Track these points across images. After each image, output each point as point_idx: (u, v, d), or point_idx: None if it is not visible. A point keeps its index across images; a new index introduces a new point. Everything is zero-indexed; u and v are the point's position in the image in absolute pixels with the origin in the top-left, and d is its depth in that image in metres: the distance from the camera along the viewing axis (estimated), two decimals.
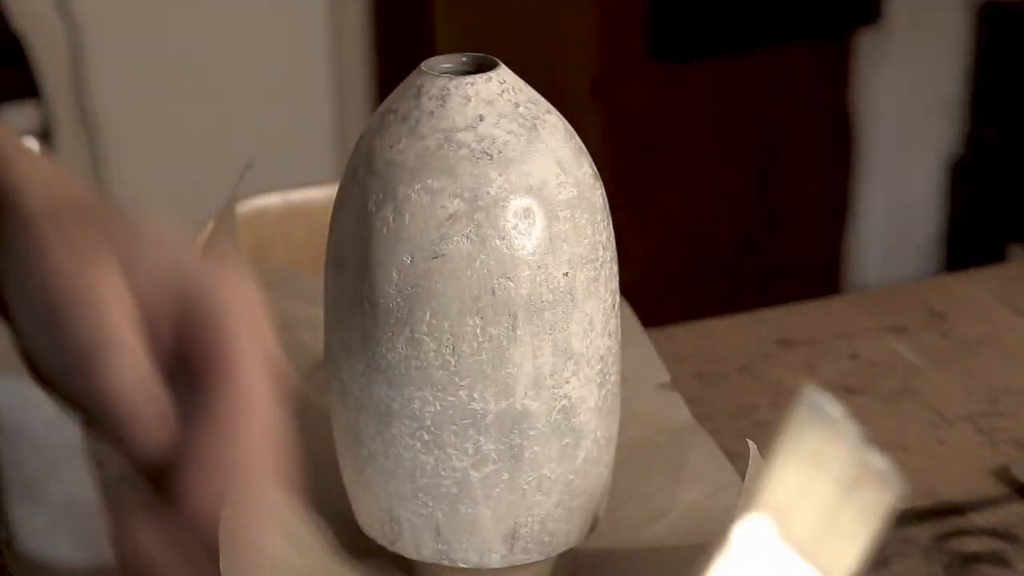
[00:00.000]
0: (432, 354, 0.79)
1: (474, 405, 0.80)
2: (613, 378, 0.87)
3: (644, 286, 1.14)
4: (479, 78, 0.81)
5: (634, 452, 0.98)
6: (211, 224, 1.06)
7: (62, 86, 2.26)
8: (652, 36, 2.61)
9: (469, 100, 0.81)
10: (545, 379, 0.81)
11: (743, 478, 0.85)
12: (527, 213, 0.79)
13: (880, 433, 1.10)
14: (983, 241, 2.82)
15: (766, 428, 1.11)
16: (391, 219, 0.79)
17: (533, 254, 0.79)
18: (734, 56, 2.68)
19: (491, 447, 0.81)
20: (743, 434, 1.10)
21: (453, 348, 0.79)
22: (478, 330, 0.79)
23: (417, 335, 0.79)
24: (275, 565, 0.85)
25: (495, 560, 0.83)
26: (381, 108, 0.84)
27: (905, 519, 1.00)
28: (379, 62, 2.47)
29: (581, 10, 2.55)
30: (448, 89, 0.81)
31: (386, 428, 0.81)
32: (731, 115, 2.73)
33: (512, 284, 0.79)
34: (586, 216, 0.82)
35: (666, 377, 1.05)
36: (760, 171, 2.80)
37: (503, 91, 0.82)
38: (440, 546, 0.83)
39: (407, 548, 0.83)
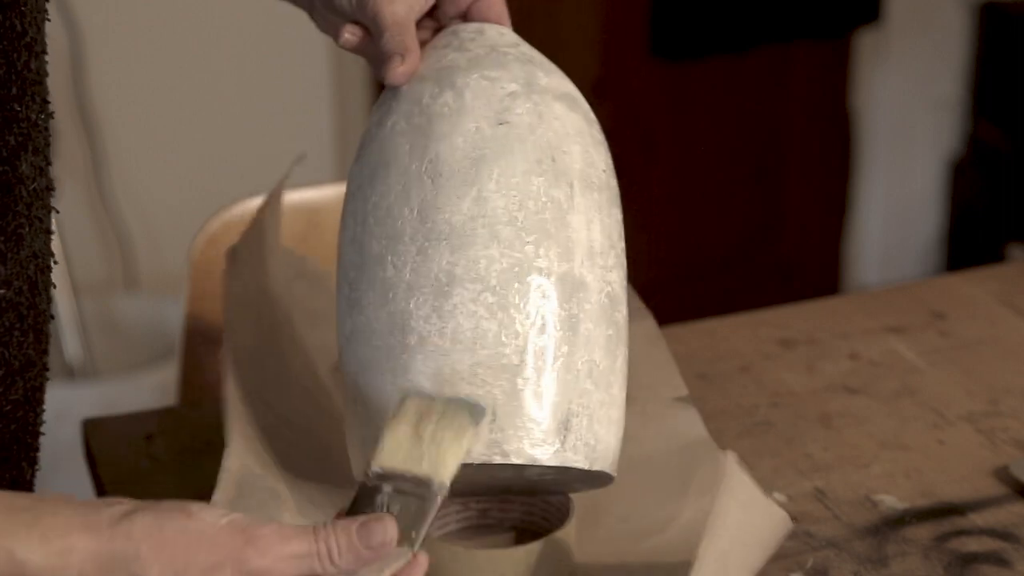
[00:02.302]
0: (500, 211, 0.83)
1: (539, 263, 0.83)
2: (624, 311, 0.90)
3: (644, 286, 1.14)
4: (504, 28, 0.91)
5: (645, 464, 0.98)
6: (258, 211, 1.07)
7: (62, 86, 2.25)
8: (653, 36, 2.61)
9: (503, 34, 0.90)
10: (596, 255, 0.85)
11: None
12: (573, 106, 0.87)
13: (880, 433, 1.10)
14: (983, 241, 2.82)
15: (766, 428, 1.11)
16: (451, 101, 0.85)
17: (580, 137, 0.86)
18: (735, 55, 2.68)
19: (553, 311, 0.83)
20: (743, 434, 1.10)
21: (520, 204, 0.83)
22: (542, 190, 0.83)
23: (484, 193, 0.83)
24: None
25: (547, 454, 0.83)
26: None
27: (905, 519, 1.00)
28: None
29: (582, 10, 2.55)
30: (483, 29, 0.89)
31: (445, 300, 0.82)
32: (731, 115, 2.73)
33: (568, 157, 0.85)
34: (605, 144, 0.90)
35: (684, 391, 1.05)
36: (760, 171, 2.80)
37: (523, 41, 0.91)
38: (494, 435, 0.82)
39: None
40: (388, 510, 0.74)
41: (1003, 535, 0.98)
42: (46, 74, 0.85)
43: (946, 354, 1.21)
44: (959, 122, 2.87)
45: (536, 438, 0.82)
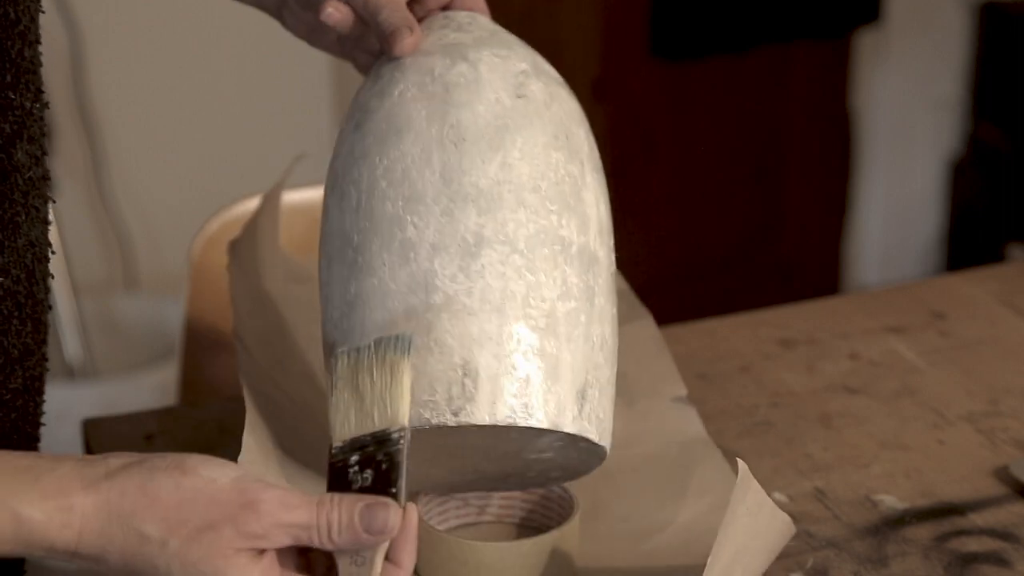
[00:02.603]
0: (525, 178, 0.84)
1: (562, 232, 0.84)
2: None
3: (644, 286, 1.14)
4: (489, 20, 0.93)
5: (645, 464, 0.98)
6: (256, 209, 1.08)
7: (62, 86, 2.25)
8: (653, 36, 2.61)
9: (495, 23, 0.92)
10: (604, 233, 0.87)
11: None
12: (570, 93, 0.90)
13: (880, 433, 1.10)
14: (983, 241, 2.82)
15: (766, 428, 1.11)
16: (467, 72, 0.86)
17: (582, 121, 0.89)
18: (735, 55, 2.68)
19: (574, 280, 0.84)
20: (743, 434, 1.10)
21: (543, 174, 0.84)
22: (560, 164, 0.85)
23: (510, 160, 0.84)
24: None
25: (568, 420, 0.83)
26: None
27: (905, 519, 1.00)
28: None
29: (581, 10, 2.55)
30: (475, 16, 0.91)
31: (473, 260, 0.82)
32: (731, 115, 2.73)
33: (577, 137, 0.88)
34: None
35: (683, 391, 1.05)
36: (760, 171, 2.80)
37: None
38: (520, 398, 0.82)
39: (479, 409, 0.81)
40: (362, 481, 0.74)
41: (1003, 535, 0.98)
42: (40, 64, 0.86)
43: (946, 354, 1.21)
44: (959, 122, 2.87)
45: (559, 404, 0.83)
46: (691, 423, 1.03)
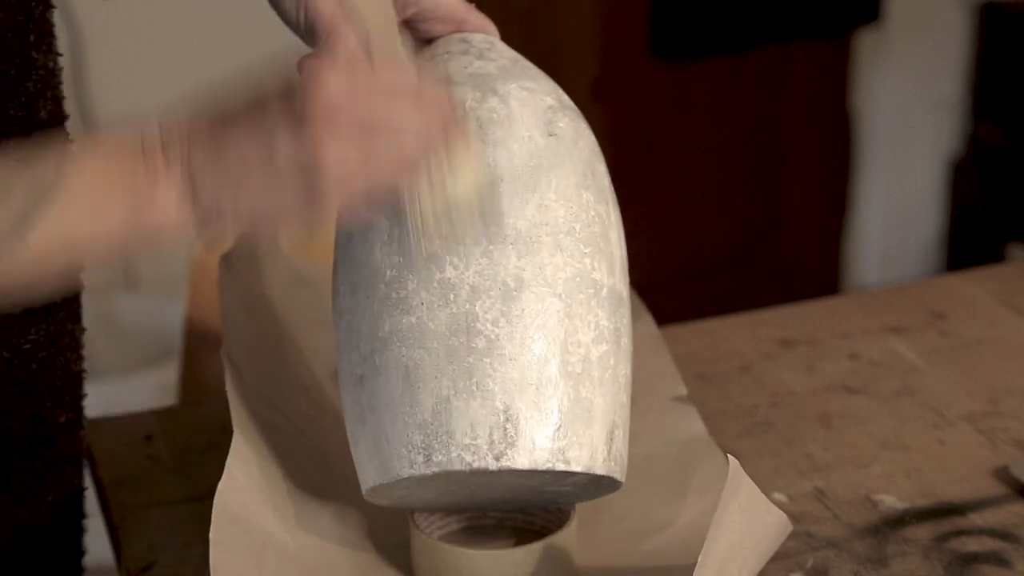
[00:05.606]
0: (561, 220, 0.83)
1: (595, 275, 0.84)
2: None
3: (644, 286, 1.14)
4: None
5: (644, 464, 0.98)
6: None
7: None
8: (653, 36, 2.61)
9: (508, 48, 0.90)
10: (625, 270, 0.88)
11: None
12: (587, 125, 0.89)
13: (880, 433, 1.10)
14: (983, 241, 2.82)
15: (766, 428, 1.11)
16: (499, 107, 0.85)
17: (600, 155, 0.88)
18: (735, 55, 2.68)
19: (605, 323, 0.84)
20: (743, 434, 1.10)
21: (576, 216, 0.84)
22: (590, 204, 0.85)
23: (546, 202, 0.83)
24: (264, 542, 0.85)
25: (599, 462, 0.84)
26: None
27: (905, 519, 1.00)
28: None
29: (581, 10, 2.55)
30: (491, 40, 0.89)
31: (513, 304, 0.82)
32: (731, 115, 2.73)
33: (600, 173, 0.87)
34: None
35: (683, 390, 1.05)
36: (760, 171, 2.80)
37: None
38: (558, 443, 0.82)
39: (520, 454, 0.81)
40: None
41: (1003, 535, 0.98)
42: (54, 25, 0.87)
43: (946, 354, 1.21)
44: (959, 122, 2.87)
45: (592, 447, 0.83)
46: (691, 422, 1.03)
